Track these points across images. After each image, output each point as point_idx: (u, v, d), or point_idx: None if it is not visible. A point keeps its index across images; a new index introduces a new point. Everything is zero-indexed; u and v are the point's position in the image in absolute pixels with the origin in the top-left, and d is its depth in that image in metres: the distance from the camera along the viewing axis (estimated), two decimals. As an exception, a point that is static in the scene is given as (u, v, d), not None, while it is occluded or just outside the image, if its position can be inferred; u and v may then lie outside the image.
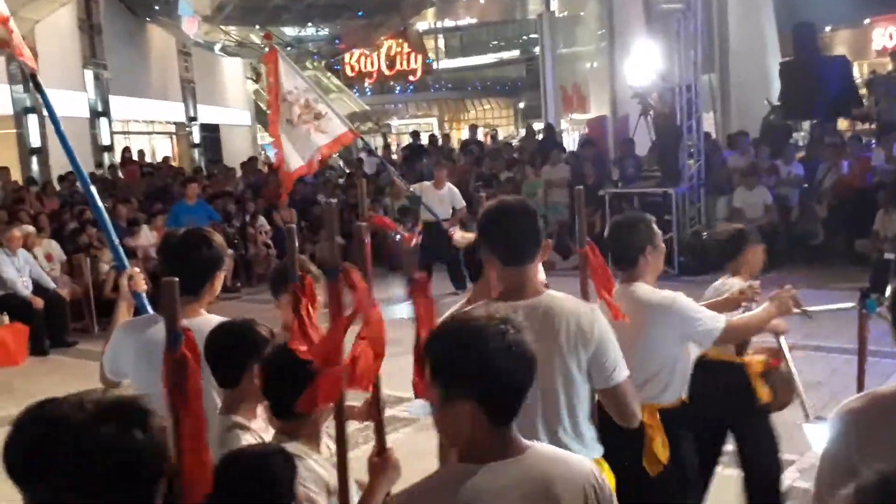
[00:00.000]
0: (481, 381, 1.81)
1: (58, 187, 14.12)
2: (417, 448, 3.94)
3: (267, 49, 5.71)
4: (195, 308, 3.20)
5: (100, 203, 4.09)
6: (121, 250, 3.97)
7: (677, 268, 11.55)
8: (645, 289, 3.58)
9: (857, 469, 2.05)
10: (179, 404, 1.93)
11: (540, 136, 17.35)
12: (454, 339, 1.86)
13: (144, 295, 3.62)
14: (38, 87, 4.03)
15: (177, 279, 2.00)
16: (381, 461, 2.52)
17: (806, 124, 16.76)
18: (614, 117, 16.29)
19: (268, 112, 6.05)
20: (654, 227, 3.67)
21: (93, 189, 4.06)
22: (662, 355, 3.54)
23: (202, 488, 1.93)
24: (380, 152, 17.84)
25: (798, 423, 4.56)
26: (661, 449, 3.48)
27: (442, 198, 11.05)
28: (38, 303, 9.65)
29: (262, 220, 13.47)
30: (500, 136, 23.73)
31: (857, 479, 2.04)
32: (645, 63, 12.40)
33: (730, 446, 5.22)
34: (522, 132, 25.06)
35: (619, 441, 3.00)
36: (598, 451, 2.89)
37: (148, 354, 3.08)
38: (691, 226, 12.36)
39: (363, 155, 18.87)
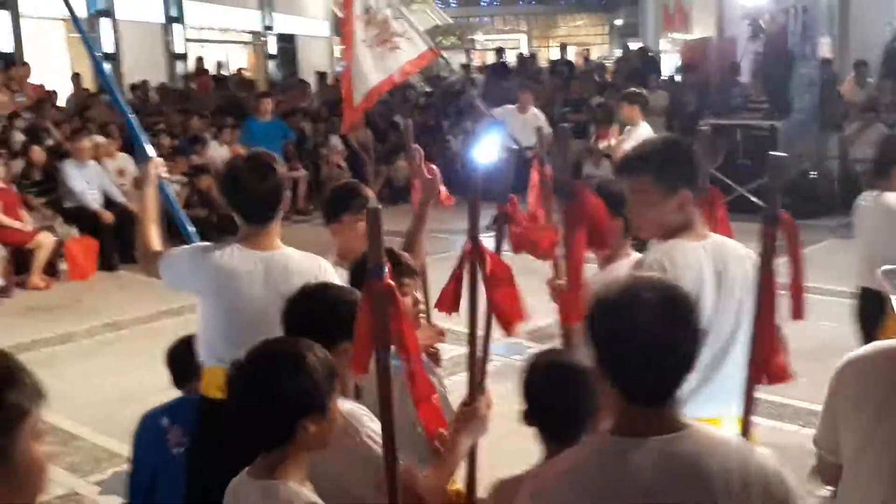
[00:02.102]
0: (612, 363, 1.77)
1: (130, 96, 14.31)
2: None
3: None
4: (271, 238, 3.21)
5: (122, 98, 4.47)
6: (144, 142, 4.13)
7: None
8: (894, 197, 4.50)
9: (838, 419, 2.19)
10: (391, 334, 2.11)
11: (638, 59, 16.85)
12: (595, 313, 1.80)
13: (168, 183, 4.06)
14: None
15: (380, 207, 2.15)
16: (468, 411, 2.47)
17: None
18: (719, 39, 15.65)
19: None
20: None
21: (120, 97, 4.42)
22: None
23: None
24: (462, 71, 17.61)
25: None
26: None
27: (526, 123, 10.84)
28: (108, 217, 9.85)
29: (336, 139, 13.49)
30: (594, 57, 23.08)
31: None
32: (758, -20, 11.85)
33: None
34: (618, 52, 24.33)
35: None
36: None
37: (233, 278, 3.15)
38: (800, 164, 11.89)
39: (444, 73, 18.61)
